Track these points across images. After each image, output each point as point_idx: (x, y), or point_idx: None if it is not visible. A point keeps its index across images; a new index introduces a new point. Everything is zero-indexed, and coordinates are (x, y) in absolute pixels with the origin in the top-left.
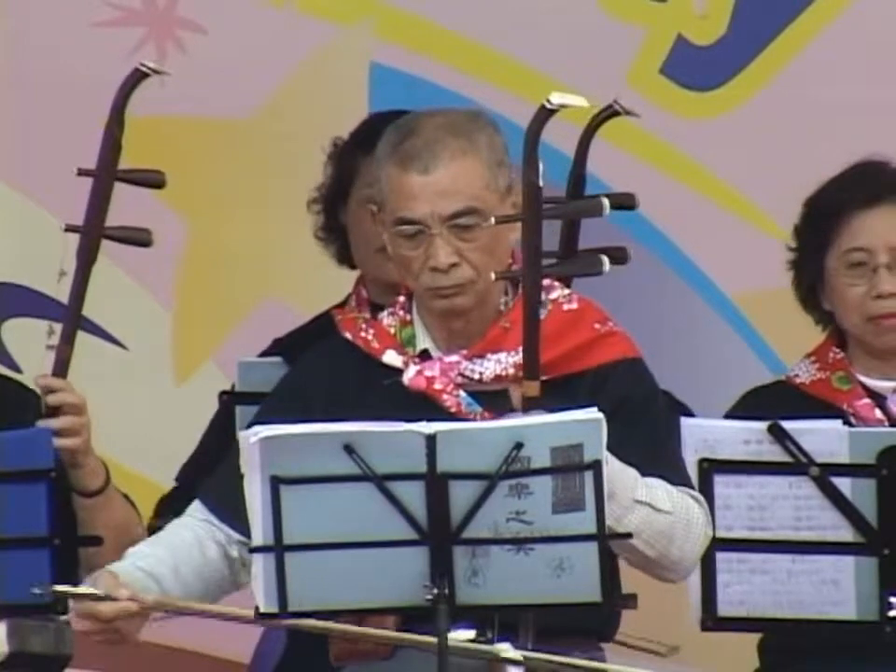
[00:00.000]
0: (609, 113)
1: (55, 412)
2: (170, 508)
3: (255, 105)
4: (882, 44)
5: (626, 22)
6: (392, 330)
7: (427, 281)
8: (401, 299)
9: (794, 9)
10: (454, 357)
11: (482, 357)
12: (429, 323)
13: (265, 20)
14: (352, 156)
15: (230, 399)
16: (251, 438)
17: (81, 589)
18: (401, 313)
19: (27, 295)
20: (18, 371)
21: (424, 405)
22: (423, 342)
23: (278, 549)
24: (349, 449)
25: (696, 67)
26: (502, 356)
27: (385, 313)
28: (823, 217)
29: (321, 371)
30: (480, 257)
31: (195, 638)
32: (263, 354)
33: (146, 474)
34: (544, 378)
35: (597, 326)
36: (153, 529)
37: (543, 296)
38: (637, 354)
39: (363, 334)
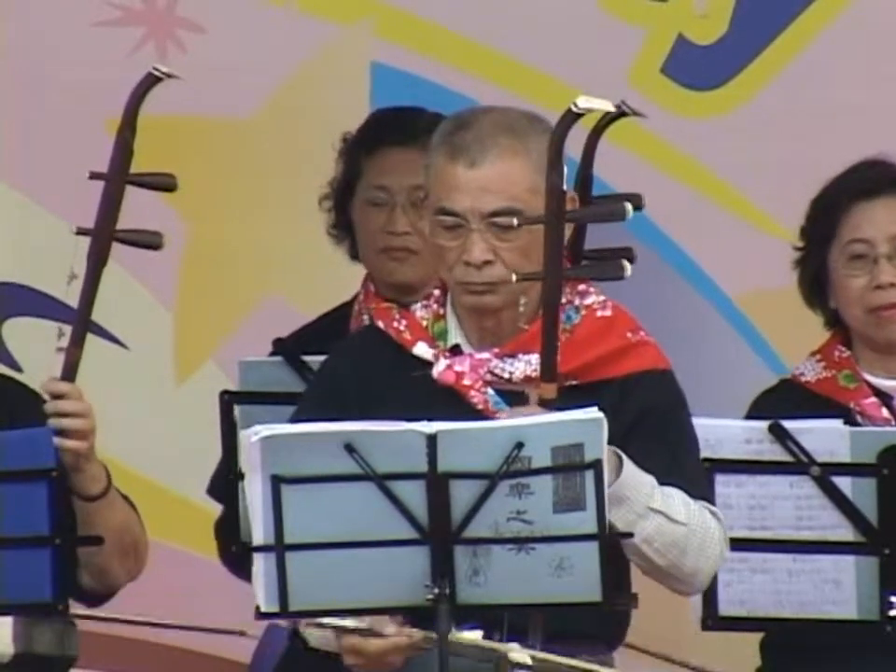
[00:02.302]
0: (617, 114)
1: (59, 416)
2: (231, 530)
3: (255, 105)
4: (882, 44)
5: (627, 22)
6: (424, 323)
7: (459, 274)
8: (436, 292)
9: (794, 9)
10: (484, 354)
11: (513, 356)
12: (462, 318)
13: (265, 19)
14: (356, 155)
15: (230, 399)
16: (252, 437)
17: (348, 623)
18: (435, 306)
19: (28, 295)
20: (18, 370)
21: (451, 400)
22: (455, 336)
23: (279, 548)
24: (350, 448)
25: (697, 67)
26: (533, 357)
27: (419, 305)
28: (825, 212)
29: (351, 364)
30: (515, 258)
31: (195, 638)
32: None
33: (146, 474)
34: (573, 383)
35: (629, 335)
36: (230, 556)
37: (578, 301)
38: (667, 365)
39: (395, 324)
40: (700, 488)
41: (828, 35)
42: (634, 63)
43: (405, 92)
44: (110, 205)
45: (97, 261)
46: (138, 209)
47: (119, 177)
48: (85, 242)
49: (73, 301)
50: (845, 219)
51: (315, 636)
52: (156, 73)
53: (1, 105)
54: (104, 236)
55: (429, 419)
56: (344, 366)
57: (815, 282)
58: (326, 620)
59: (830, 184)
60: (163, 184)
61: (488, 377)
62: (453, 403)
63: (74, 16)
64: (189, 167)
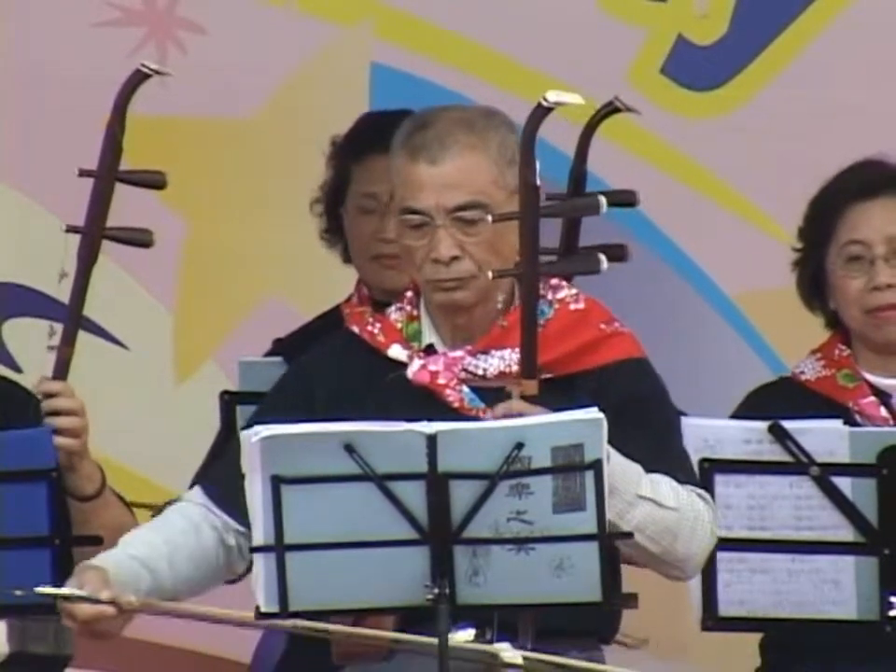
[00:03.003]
0: (610, 110)
1: (53, 415)
2: None
3: (255, 105)
4: (882, 44)
5: (626, 22)
6: (399, 325)
7: (428, 273)
8: (409, 294)
9: (794, 9)
10: (458, 353)
11: (486, 353)
12: (435, 318)
13: (265, 20)
14: (344, 162)
15: (231, 399)
16: (252, 437)
17: (63, 591)
18: (408, 308)
19: (27, 295)
20: (18, 370)
21: (427, 400)
22: (428, 336)
23: (279, 548)
24: (350, 448)
25: (696, 67)
26: (506, 352)
27: (393, 308)
28: (822, 213)
29: (325, 365)
30: (482, 252)
31: (195, 638)
32: (265, 356)
33: (146, 474)
34: (549, 377)
35: (603, 326)
36: None
37: (550, 295)
38: (643, 354)
39: (369, 328)
40: (686, 472)
41: (828, 35)
42: (634, 63)
43: (405, 93)
44: (100, 203)
45: (87, 259)
46: (137, 209)
47: (108, 174)
48: (75, 240)
49: (64, 299)
50: (841, 221)
51: None
52: (144, 69)
53: (1, 105)
54: (94, 234)
55: (407, 420)
56: (317, 370)
57: (813, 283)
58: (44, 589)
59: (827, 185)
60: (153, 181)
61: (463, 375)
62: (429, 403)
63: (74, 16)
64: (188, 167)
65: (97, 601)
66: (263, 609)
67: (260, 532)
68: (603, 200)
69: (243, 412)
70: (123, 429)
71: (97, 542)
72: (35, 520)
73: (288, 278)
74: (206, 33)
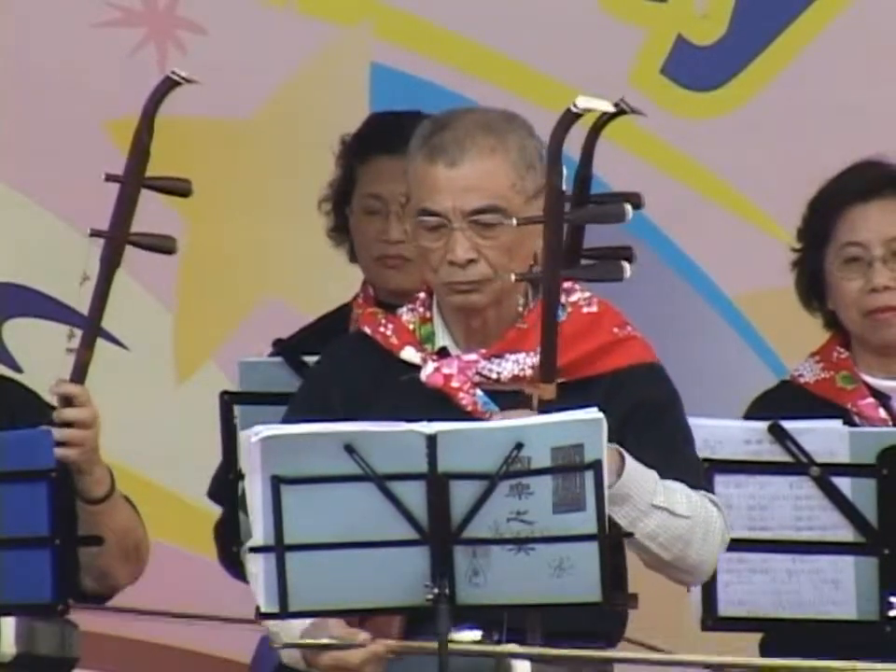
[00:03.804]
0: (616, 112)
1: (64, 426)
2: (232, 531)
3: (255, 106)
4: (882, 44)
5: (627, 22)
6: (411, 327)
7: (444, 275)
8: (422, 295)
9: (794, 9)
10: (472, 356)
11: (500, 356)
12: (449, 320)
13: (265, 20)
14: (351, 161)
15: (231, 399)
16: (252, 437)
17: (322, 640)
18: (421, 309)
19: (28, 295)
20: (18, 371)
21: (440, 403)
22: (442, 339)
23: (279, 549)
24: (350, 449)
25: (697, 67)
26: (520, 356)
27: (405, 309)
28: (820, 214)
29: (337, 370)
30: (498, 256)
31: (196, 638)
32: (266, 356)
33: (146, 474)
34: (561, 380)
35: (616, 330)
36: (229, 558)
37: (563, 298)
38: (655, 359)
39: (382, 329)
40: (698, 477)
41: (828, 35)
42: (634, 63)
43: (405, 94)
44: (125, 208)
45: (110, 264)
46: (139, 209)
47: (134, 181)
48: (92, 242)
49: (84, 303)
50: (840, 222)
51: (285, 653)
52: (174, 77)
53: (1, 105)
54: (118, 239)
55: (419, 422)
56: (330, 371)
57: (812, 283)
58: (304, 641)
59: (825, 186)
60: (179, 188)
61: (476, 378)
62: (442, 406)
63: (74, 16)
64: (188, 167)
65: (358, 645)
66: (263, 610)
67: (260, 532)
68: (629, 208)
69: (243, 412)
70: (123, 429)
71: (98, 542)
72: (35, 520)
73: (288, 278)
74: (206, 33)
